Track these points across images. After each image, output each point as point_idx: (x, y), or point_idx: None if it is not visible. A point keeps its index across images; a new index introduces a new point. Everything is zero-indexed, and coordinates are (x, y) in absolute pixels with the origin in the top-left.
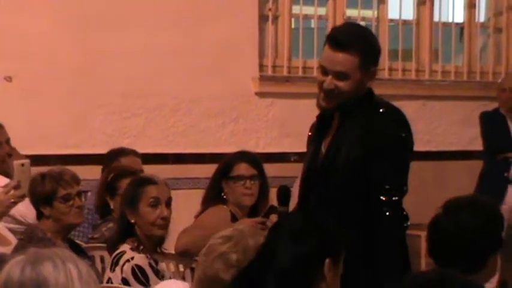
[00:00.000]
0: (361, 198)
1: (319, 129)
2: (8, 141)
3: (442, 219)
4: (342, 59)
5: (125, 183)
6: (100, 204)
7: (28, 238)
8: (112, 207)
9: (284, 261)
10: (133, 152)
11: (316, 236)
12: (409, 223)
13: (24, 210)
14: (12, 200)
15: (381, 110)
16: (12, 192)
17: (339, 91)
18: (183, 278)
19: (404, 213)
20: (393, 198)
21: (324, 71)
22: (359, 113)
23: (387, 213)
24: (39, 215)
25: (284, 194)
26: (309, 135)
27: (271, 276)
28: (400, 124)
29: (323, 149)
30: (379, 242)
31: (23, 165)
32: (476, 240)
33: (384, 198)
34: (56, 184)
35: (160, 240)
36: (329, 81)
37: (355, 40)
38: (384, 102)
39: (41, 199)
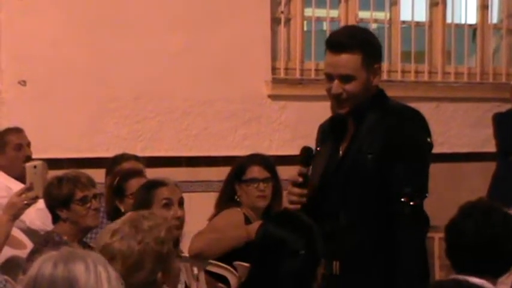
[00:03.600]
0: (382, 200)
1: (333, 133)
2: (28, 144)
3: (460, 223)
4: (345, 61)
5: (131, 184)
6: (110, 209)
7: (44, 242)
8: (123, 210)
9: (286, 276)
10: (134, 157)
11: (308, 247)
12: (429, 227)
13: (40, 224)
14: (25, 202)
15: (401, 113)
16: (25, 194)
17: (347, 94)
18: (197, 280)
19: (425, 216)
20: (414, 201)
21: (330, 77)
22: (376, 116)
23: (408, 216)
24: (55, 219)
25: (306, 155)
26: (318, 137)
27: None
28: (420, 126)
29: (341, 151)
30: (399, 245)
31: (35, 167)
32: (498, 248)
33: (405, 201)
34: (73, 187)
35: (175, 242)
36: (336, 85)
37: (354, 39)
38: (402, 104)
39: (58, 202)
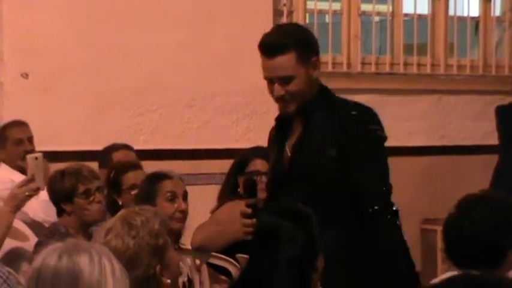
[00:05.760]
0: (343, 198)
1: (279, 132)
2: (30, 139)
3: (456, 218)
4: (279, 63)
5: (127, 177)
6: (109, 202)
7: (50, 234)
8: (121, 203)
9: (283, 264)
10: (125, 146)
11: (307, 237)
12: (399, 219)
13: (43, 216)
14: (26, 194)
15: (351, 109)
16: (26, 186)
17: (290, 94)
18: (199, 272)
19: (394, 208)
20: (381, 199)
21: (270, 80)
22: (324, 114)
23: (377, 214)
24: (60, 212)
25: (250, 186)
26: (270, 138)
27: (272, 277)
28: (372, 120)
29: (288, 151)
30: (376, 244)
31: (36, 158)
32: (493, 237)
33: (372, 201)
34: (75, 180)
35: (178, 235)
36: (277, 88)
37: (284, 39)
38: (349, 100)
39: (61, 196)
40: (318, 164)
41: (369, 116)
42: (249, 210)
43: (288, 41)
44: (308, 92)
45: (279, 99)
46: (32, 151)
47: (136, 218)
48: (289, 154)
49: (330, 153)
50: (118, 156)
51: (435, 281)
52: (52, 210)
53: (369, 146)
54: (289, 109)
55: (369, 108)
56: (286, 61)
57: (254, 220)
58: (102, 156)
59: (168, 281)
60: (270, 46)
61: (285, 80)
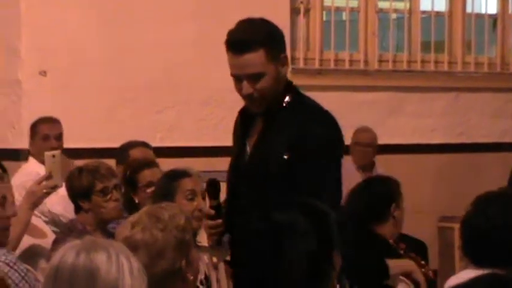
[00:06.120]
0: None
1: (242, 127)
2: (57, 136)
3: (472, 216)
4: (248, 60)
5: (143, 175)
6: (124, 200)
7: (68, 231)
8: (137, 201)
9: (298, 261)
10: (142, 144)
11: (321, 230)
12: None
13: (61, 210)
14: (44, 191)
15: (311, 114)
16: (44, 183)
17: (259, 92)
18: (216, 269)
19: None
20: (329, 203)
21: (238, 78)
22: (287, 114)
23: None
24: (78, 209)
25: (213, 188)
26: (234, 132)
27: (286, 275)
28: (332, 128)
29: (248, 148)
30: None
31: (54, 156)
32: (506, 235)
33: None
34: (93, 178)
35: (194, 233)
36: (245, 86)
37: (253, 35)
38: (313, 104)
39: (79, 193)
40: (275, 164)
41: (328, 119)
42: (213, 212)
43: (257, 38)
44: (275, 89)
45: (247, 98)
46: (58, 149)
47: (164, 212)
48: (249, 152)
49: (288, 154)
50: (135, 153)
51: (454, 279)
52: (70, 206)
53: (325, 149)
54: (257, 109)
55: (328, 111)
56: (255, 58)
57: (218, 221)
58: (119, 153)
59: (192, 277)
60: (238, 43)
61: (255, 78)
